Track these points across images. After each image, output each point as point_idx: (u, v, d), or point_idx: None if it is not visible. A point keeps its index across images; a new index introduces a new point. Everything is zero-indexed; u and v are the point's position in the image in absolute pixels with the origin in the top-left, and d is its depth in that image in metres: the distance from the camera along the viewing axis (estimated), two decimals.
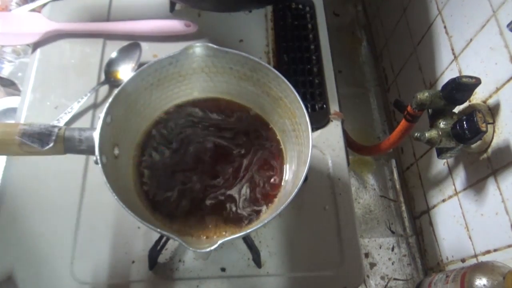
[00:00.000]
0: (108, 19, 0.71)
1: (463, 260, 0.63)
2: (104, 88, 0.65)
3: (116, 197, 0.39)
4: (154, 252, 0.52)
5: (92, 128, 0.44)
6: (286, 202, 0.41)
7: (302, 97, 0.46)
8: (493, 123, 0.54)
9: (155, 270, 0.53)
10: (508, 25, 0.50)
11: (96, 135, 0.43)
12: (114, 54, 0.66)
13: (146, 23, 0.69)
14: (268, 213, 0.48)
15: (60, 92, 0.65)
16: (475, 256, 0.59)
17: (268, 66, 0.48)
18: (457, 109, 0.57)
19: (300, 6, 0.76)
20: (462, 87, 0.52)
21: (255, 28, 0.73)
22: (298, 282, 0.54)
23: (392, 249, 0.78)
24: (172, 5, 0.72)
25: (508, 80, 0.51)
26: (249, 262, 0.55)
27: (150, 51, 0.68)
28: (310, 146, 0.44)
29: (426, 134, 0.54)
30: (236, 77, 0.52)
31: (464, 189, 0.62)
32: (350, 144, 0.73)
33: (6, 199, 0.57)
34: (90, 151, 0.43)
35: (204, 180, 0.50)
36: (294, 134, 0.50)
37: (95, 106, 0.64)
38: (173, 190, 0.50)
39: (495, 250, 0.55)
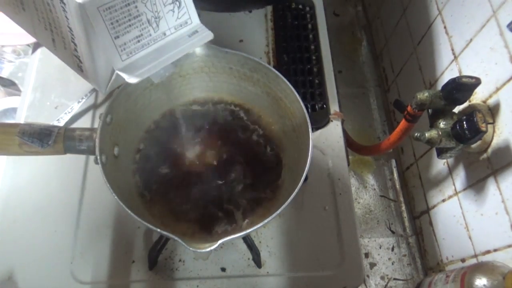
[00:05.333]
0: None
1: (463, 260, 0.63)
2: None
3: (116, 197, 0.39)
4: (154, 252, 0.52)
5: (92, 128, 0.44)
6: (286, 202, 0.41)
7: (302, 97, 0.47)
8: (493, 123, 0.54)
9: (155, 270, 0.53)
10: (508, 25, 0.50)
11: (96, 135, 0.43)
12: None
13: None
14: (268, 213, 0.48)
15: (60, 92, 0.65)
16: (475, 256, 0.59)
17: (268, 66, 0.49)
18: (457, 109, 0.57)
19: (300, 6, 0.76)
20: (462, 87, 0.52)
21: (255, 28, 0.73)
22: (298, 282, 0.54)
23: (392, 249, 0.78)
24: None
25: (508, 80, 0.51)
26: (249, 262, 0.55)
27: None
28: (310, 146, 0.44)
29: (426, 134, 0.54)
30: (236, 77, 0.52)
31: (464, 189, 0.62)
32: (350, 144, 0.73)
33: (6, 199, 0.57)
34: (90, 151, 0.43)
35: (204, 180, 0.50)
36: (294, 134, 0.50)
37: (95, 106, 0.64)
38: (173, 190, 0.50)
39: (495, 250, 0.55)
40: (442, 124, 0.54)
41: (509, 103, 0.52)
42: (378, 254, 0.78)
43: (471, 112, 0.51)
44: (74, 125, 0.61)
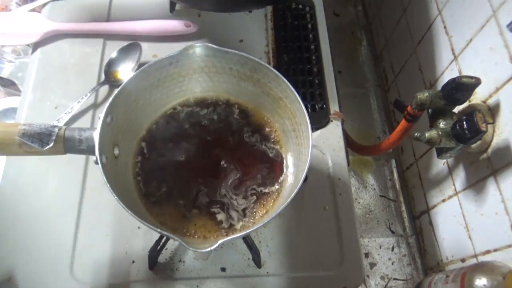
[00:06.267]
0: (108, 19, 0.71)
1: (463, 260, 0.63)
2: (104, 88, 0.65)
3: (116, 197, 0.39)
4: (154, 252, 0.52)
5: (92, 128, 0.44)
6: (286, 202, 0.41)
7: (302, 97, 0.46)
8: (493, 123, 0.54)
9: (155, 270, 0.53)
10: (508, 25, 0.50)
11: (96, 135, 0.43)
12: (114, 54, 0.66)
13: (146, 23, 0.69)
14: (268, 213, 0.48)
15: (60, 92, 0.65)
16: (475, 256, 0.59)
17: (268, 66, 0.48)
18: (457, 109, 0.57)
19: (300, 6, 0.76)
20: (462, 87, 0.52)
21: (255, 28, 0.73)
22: (298, 282, 0.54)
23: (392, 249, 0.78)
24: (172, 5, 0.72)
25: (508, 80, 0.51)
26: (249, 262, 0.55)
27: (150, 51, 0.68)
28: (310, 146, 0.44)
29: (426, 134, 0.54)
30: (236, 77, 0.52)
31: (464, 189, 0.62)
32: (350, 144, 0.73)
33: (6, 199, 0.57)
34: (90, 151, 0.43)
35: (204, 180, 0.50)
36: (294, 134, 0.50)
37: (95, 106, 0.64)
38: (173, 190, 0.50)
39: (495, 250, 0.55)
40: (442, 124, 0.54)
41: (509, 103, 0.52)
42: (378, 254, 0.78)
43: (471, 112, 0.51)
44: (74, 125, 0.61)
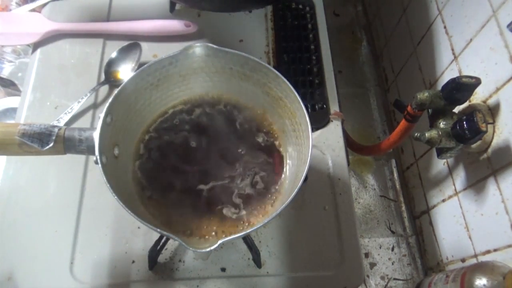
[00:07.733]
0: (108, 19, 0.71)
1: (463, 260, 0.63)
2: (104, 88, 0.65)
3: (116, 197, 0.39)
4: (154, 252, 0.52)
5: (92, 128, 0.44)
6: (286, 202, 0.41)
7: (302, 97, 0.46)
8: (493, 123, 0.54)
9: (155, 270, 0.53)
10: (508, 25, 0.50)
11: (96, 135, 0.43)
12: (114, 54, 0.66)
13: (146, 23, 0.69)
14: (268, 213, 0.48)
15: (60, 92, 0.65)
16: (475, 256, 0.59)
17: (268, 66, 0.48)
18: (457, 109, 0.57)
19: (300, 6, 0.76)
20: (462, 87, 0.52)
21: (255, 28, 0.73)
22: (298, 282, 0.54)
23: (392, 249, 0.78)
24: (172, 5, 0.72)
25: (508, 80, 0.51)
26: (249, 262, 0.55)
27: (150, 51, 0.68)
28: (310, 146, 0.44)
29: (426, 134, 0.54)
30: (236, 77, 0.52)
31: (464, 189, 0.62)
32: (350, 144, 0.73)
33: (6, 200, 0.57)
34: (90, 151, 0.43)
35: (204, 180, 0.50)
36: (294, 134, 0.50)
37: (95, 106, 0.64)
38: (173, 190, 0.50)
39: (495, 250, 0.55)
40: (442, 124, 0.54)
41: (509, 103, 0.52)
42: (378, 254, 0.78)
43: (471, 112, 0.51)
44: (74, 125, 0.61)
